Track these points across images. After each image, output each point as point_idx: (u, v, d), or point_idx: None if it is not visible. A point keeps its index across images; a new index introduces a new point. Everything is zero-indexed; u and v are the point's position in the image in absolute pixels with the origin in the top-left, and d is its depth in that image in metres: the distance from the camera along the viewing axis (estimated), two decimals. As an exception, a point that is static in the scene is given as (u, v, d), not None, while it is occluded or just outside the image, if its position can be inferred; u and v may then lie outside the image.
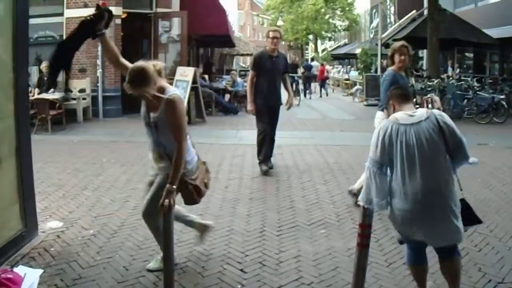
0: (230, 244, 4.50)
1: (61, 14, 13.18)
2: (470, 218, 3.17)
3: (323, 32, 49.03)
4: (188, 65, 14.97)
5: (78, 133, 10.90)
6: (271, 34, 7.14)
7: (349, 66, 37.97)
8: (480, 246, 4.46)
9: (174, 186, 3.40)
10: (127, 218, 5.08)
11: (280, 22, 49.08)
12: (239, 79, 17.59)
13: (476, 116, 13.82)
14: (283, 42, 42.13)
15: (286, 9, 50.36)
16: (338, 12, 47.74)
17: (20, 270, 3.13)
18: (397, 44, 5.61)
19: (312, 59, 38.02)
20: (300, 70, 24.76)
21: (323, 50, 49.53)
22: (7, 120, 4.19)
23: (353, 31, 45.50)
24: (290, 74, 12.69)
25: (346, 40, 47.25)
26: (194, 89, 12.67)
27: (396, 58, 5.48)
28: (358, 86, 22.34)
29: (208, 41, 21.35)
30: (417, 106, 4.74)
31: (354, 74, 29.05)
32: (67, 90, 4.13)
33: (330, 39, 52.18)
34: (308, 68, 25.14)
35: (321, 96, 24.14)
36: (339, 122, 14.17)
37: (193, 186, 3.64)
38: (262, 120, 7.17)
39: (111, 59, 3.69)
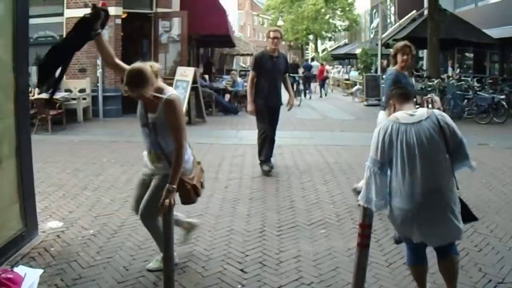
0: (230, 244, 4.50)
1: (61, 14, 13.18)
2: (466, 215, 3.17)
3: (323, 32, 49.01)
4: (188, 65, 14.98)
5: (78, 133, 10.90)
6: (271, 34, 7.12)
7: (349, 66, 37.97)
8: (480, 246, 4.46)
9: (174, 186, 3.41)
10: (127, 218, 5.07)
11: (280, 22, 49.05)
12: (239, 79, 17.59)
13: (476, 116, 13.82)
14: (283, 42, 42.11)
15: (286, 9, 50.35)
16: (338, 12, 47.73)
17: (20, 270, 3.13)
18: (400, 43, 5.60)
19: (312, 59, 38.02)
20: (301, 70, 24.71)
21: (323, 50, 49.52)
22: (7, 120, 4.19)
23: (353, 31, 45.51)
24: (291, 75, 12.69)
25: (346, 40, 47.25)
26: (194, 89, 12.67)
27: (399, 57, 5.48)
28: (358, 86, 22.35)
29: (208, 41, 21.36)
30: (417, 106, 4.72)
31: (354, 74, 29.06)
32: (55, 86, 4.08)
33: (330, 39, 52.17)
34: (308, 68, 25.12)
35: (321, 96, 24.14)
36: (339, 122, 14.17)
37: (191, 185, 3.64)
38: (262, 121, 7.15)
39: (106, 60, 3.67)
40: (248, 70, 16.37)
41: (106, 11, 3.66)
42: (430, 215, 2.96)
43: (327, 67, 30.19)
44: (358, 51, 29.48)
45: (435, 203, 2.96)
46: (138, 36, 14.94)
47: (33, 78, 11.80)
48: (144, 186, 3.78)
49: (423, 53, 19.85)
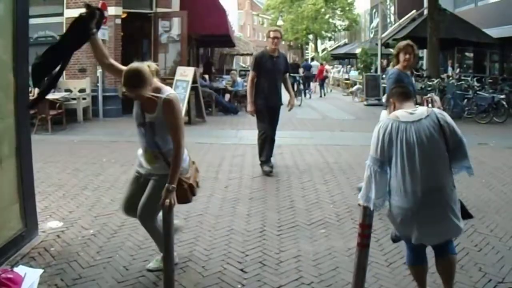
0: (230, 244, 4.50)
1: (61, 14, 13.18)
2: (461, 213, 3.17)
3: (323, 32, 49.01)
4: (188, 65, 14.98)
5: (78, 133, 10.90)
6: (271, 34, 7.10)
7: (349, 66, 37.98)
8: (480, 246, 4.45)
9: (174, 185, 3.40)
10: (127, 218, 5.03)
11: (280, 22, 49.06)
12: (239, 79, 17.60)
13: (476, 116, 13.83)
14: (283, 42, 42.07)
15: (286, 9, 50.36)
16: (338, 12, 47.74)
17: (20, 270, 3.13)
18: (402, 43, 5.59)
19: (312, 59, 38.01)
20: (301, 70, 24.70)
21: (323, 50, 49.52)
22: (7, 120, 4.19)
23: (353, 31, 45.52)
24: (292, 74, 12.64)
25: (346, 40, 47.26)
26: (194, 89, 12.67)
27: (401, 57, 5.47)
28: (358, 86, 22.35)
29: (208, 41, 21.37)
30: (417, 105, 4.72)
31: (354, 74, 29.05)
32: (50, 87, 4.08)
33: (330, 39, 52.17)
34: (307, 68, 25.13)
35: (321, 96, 24.14)
36: (339, 122, 14.16)
37: (188, 184, 3.63)
38: (263, 121, 7.14)
39: (100, 60, 3.66)
40: (248, 70, 16.39)
41: (101, 11, 3.66)
42: (430, 213, 2.96)
43: (327, 66, 30.20)
44: (358, 50, 29.48)
45: (435, 201, 2.96)
46: (138, 36, 14.94)
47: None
48: (138, 186, 3.76)
49: (423, 53, 19.85)
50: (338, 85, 31.11)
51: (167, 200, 3.34)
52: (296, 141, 10.11)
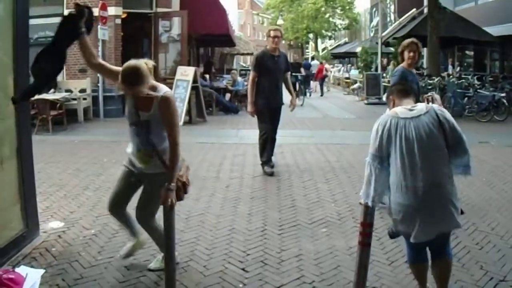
0: (232, 243, 4.51)
1: (61, 15, 13.12)
2: None
3: (323, 31, 48.98)
4: (189, 64, 14.98)
5: (79, 133, 10.91)
6: (272, 33, 7.06)
7: (349, 65, 37.99)
8: (482, 244, 4.45)
9: (174, 184, 3.39)
10: (128, 218, 5.07)
11: (280, 21, 49.01)
12: (239, 79, 17.59)
13: (476, 114, 13.82)
14: (283, 41, 42.10)
15: (286, 8, 50.34)
16: (338, 11, 47.72)
17: (22, 270, 3.13)
18: (407, 40, 5.59)
19: (313, 58, 38.01)
20: (303, 70, 24.66)
21: (323, 49, 49.51)
22: (8, 120, 4.19)
23: (353, 29, 45.51)
24: (293, 74, 12.57)
25: (346, 39, 47.27)
26: (194, 88, 12.67)
27: (406, 54, 5.47)
28: (358, 84, 22.34)
29: (209, 40, 21.36)
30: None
31: (354, 72, 29.09)
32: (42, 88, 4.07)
33: (330, 38, 52.14)
34: (307, 66, 25.12)
35: (321, 95, 24.13)
36: (339, 121, 14.16)
37: (181, 182, 3.61)
38: (264, 121, 7.11)
39: (89, 60, 3.61)
40: (249, 69, 16.37)
41: (90, 9, 3.64)
42: (431, 209, 2.95)
43: (327, 65, 30.18)
44: (358, 49, 29.52)
45: (436, 197, 2.96)
46: (138, 36, 14.94)
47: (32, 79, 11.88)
48: (127, 184, 3.74)
49: (423, 52, 19.85)
50: (339, 84, 31.11)
51: (169, 200, 3.33)
52: (296, 140, 10.11)
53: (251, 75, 7.16)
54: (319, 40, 52.35)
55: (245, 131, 11.14)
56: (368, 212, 3.13)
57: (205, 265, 4.03)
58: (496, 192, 6.24)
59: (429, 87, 14.74)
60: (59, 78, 12.55)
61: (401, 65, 5.56)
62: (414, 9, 21.81)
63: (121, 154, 8.26)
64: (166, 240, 3.41)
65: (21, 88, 4.29)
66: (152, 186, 3.60)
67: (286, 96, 7.39)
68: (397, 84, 3.49)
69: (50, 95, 10.88)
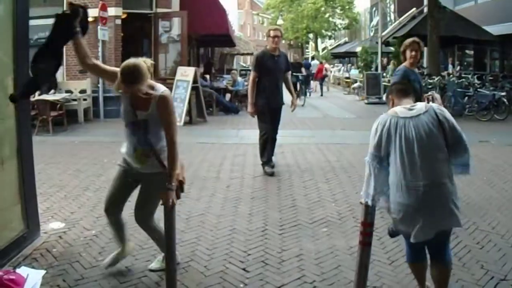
0: (233, 243, 4.51)
1: (61, 16, 13.16)
2: None
3: (323, 31, 48.97)
4: (189, 65, 14.98)
5: (79, 134, 10.91)
6: (272, 33, 7.04)
7: (349, 65, 37.98)
8: (482, 244, 4.45)
9: (174, 183, 3.38)
10: (128, 218, 5.05)
11: (280, 21, 49.00)
12: (239, 79, 17.59)
13: (477, 113, 13.82)
14: (283, 41, 42.10)
15: (286, 8, 50.32)
16: (338, 10, 47.72)
17: (23, 271, 3.13)
18: (409, 40, 5.59)
19: (313, 58, 38.02)
20: (303, 70, 24.63)
21: (323, 49, 49.52)
22: (8, 121, 4.19)
23: (353, 29, 45.51)
24: (294, 74, 12.52)
25: (346, 39, 47.27)
26: (195, 88, 12.68)
27: (408, 54, 5.48)
28: (358, 83, 22.33)
29: (208, 40, 21.36)
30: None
31: (354, 72, 29.08)
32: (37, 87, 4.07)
33: (330, 37, 52.14)
34: (307, 66, 25.11)
35: (322, 95, 24.12)
36: (340, 120, 14.16)
37: (178, 181, 3.61)
38: (264, 121, 7.09)
39: (83, 60, 3.58)
40: (249, 69, 16.35)
41: (85, 9, 3.62)
42: (431, 209, 2.95)
43: (326, 65, 30.18)
44: (358, 49, 29.52)
45: (436, 196, 2.96)
46: (138, 36, 14.94)
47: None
48: (123, 184, 3.72)
49: (423, 51, 19.85)
50: (339, 84, 31.09)
51: (170, 200, 3.32)
52: (297, 140, 10.10)
53: (251, 75, 7.13)
54: (319, 40, 52.35)
55: (246, 131, 11.14)
56: (369, 212, 3.13)
57: (206, 265, 4.03)
58: (496, 191, 6.24)
59: (429, 86, 14.73)
60: (60, 79, 12.56)
61: (403, 64, 5.56)
62: (414, 9, 21.81)
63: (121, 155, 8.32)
64: (166, 240, 3.41)
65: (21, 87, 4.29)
66: (149, 186, 3.60)
67: (287, 96, 7.39)
68: (396, 84, 3.49)
69: (50, 96, 10.89)
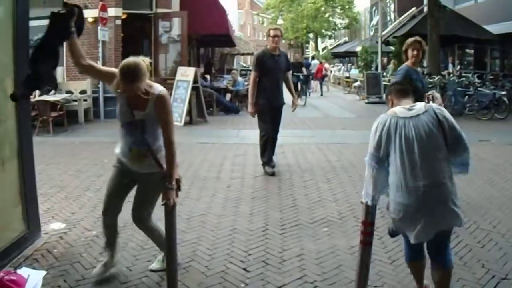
0: (233, 243, 4.50)
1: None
2: None
3: (323, 31, 48.97)
4: (189, 65, 14.98)
5: (79, 134, 10.91)
6: (272, 33, 7.03)
7: (349, 64, 37.99)
8: (483, 242, 4.45)
9: (174, 183, 3.37)
10: (129, 219, 5.01)
11: (280, 21, 49.00)
12: (240, 79, 17.59)
13: (477, 112, 13.81)
14: (283, 41, 42.11)
15: (286, 8, 50.32)
16: (338, 10, 47.73)
17: (24, 271, 3.14)
18: (411, 39, 5.59)
19: (313, 58, 38.02)
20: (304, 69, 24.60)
21: (323, 49, 49.54)
22: (8, 122, 4.19)
23: (353, 29, 45.53)
24: (295, 74, 12.49)
25: (347, 38, 47.30)
26: (195, 89, 12.68)
27: (410, 53, 5.48)
28: (359, 83, 22.32)
29: (209, 40, 21.36)
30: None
31: (354, 72, 29.07)
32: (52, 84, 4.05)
33: (330, 37, 52.15)
34: (307, 66, 25.10)
35: (322, 95, 24.12)
36: (340, 120, 14.15)
37: (175, 180, 3.60)
38: (264, 121, 7.08)
39: (77, 60, 3.56)
40: (249, 69, 16.35)
41: (80, 9, 3.61)
42: (431, 209, 2.95)
43: (326, 65, 30.18)
44: (358, 49, 29.53)
45: (436, 196, 2.95)
46: (138, 36, 14.93)
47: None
48: (120, 184, 3.71)
49: (425, 50, 19.87)
50: (339, 84, 31.09)
51: (171, 200, 3.31)
52: (297, 140, 10.10)
53: (252, 75, 7.12)
54: (319, 40, 52.36)
55: (246, 131, 11.13)
56: (369, 211, 3.13)
57: (206, 265, 4.03)
58: (497, 190, 6.23)
59: (430, 85, 14.71)
60: (60, 79, 12.56)
61: (405, 63, 5.56)
62: (414, 8, 21.81)
63: (122, 155, 8.32)
64: (167, 241, 3.40)
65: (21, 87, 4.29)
66: (146, 186, 3.59)
67: (287, 96, 7.38)
68: (395, 84, 3.48)
69: (50, 97, 10.90)
